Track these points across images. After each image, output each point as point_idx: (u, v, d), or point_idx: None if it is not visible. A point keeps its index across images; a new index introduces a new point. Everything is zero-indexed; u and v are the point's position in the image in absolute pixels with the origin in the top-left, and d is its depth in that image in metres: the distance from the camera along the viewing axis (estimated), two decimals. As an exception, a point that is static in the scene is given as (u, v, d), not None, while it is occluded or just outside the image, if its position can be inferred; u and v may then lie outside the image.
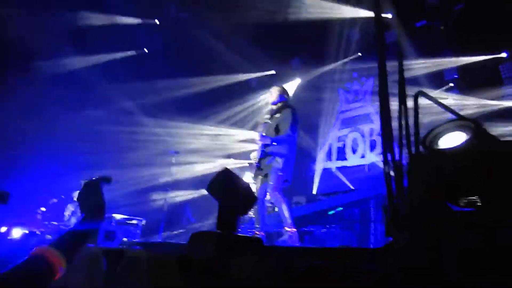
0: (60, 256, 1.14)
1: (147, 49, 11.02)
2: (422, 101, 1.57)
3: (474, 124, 1.28)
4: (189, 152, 11.04)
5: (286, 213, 3.96)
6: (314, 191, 9.91)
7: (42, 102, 9.18)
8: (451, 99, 7.51)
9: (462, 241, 1.25)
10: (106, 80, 10.06)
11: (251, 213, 7.08)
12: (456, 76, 7.97)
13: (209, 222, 9.16)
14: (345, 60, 10.09)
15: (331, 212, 6.92)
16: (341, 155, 10.15)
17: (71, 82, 9.90)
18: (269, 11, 9.15)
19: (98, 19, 9.75)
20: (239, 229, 2.25)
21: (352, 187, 8.99)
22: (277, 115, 4.37)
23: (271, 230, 6.06)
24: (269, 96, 4.60)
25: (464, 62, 7.64)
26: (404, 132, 1.49)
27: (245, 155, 11.18)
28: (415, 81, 7.35)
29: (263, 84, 11.06)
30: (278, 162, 4.13)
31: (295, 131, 4.28)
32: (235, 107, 11.46)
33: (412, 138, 1.51)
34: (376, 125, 9.34)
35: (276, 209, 7.37)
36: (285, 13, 9.35)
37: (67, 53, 9.62)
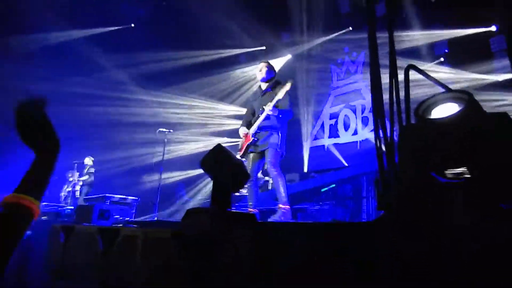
0: (31, 198, 1.12)
1: (133, 24, 10.81)
2: (413, 75, 1.58)
3: (467, 96, 1.30)
4: (182, 130, 11.03)
5: (282, 190, 3.98)
6: (305, 169, 9.98)
7: (23, 79, 9.04)
8: (441, 73, 7.53)
9: (447, 214, 1.27)
10: (93, 54, 9.90)
11: (244, 191, 7.15)
12: (446, 51, 7.96)
13: (202, 200, 9.24)
14: (336, 34, 9.94)
15: (324, 189, 7.00)
16: (334, 132, 10.19)
17: (55, 58, 9.74)
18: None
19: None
20: (233, 206, 2.28)
21: (345, 164, 9.08)
22: (271, 91, 4.34)
23: (265, 207, 6.12)
24: (259, 73, 4.53)
25: (454, 35, 7.62)
26: (395, 106, 1.50)
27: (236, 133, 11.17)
28: (406, 54, 7.32)
29: (253, 59, 10.99)
30: (276, 137, 4.14)
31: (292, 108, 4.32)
32: (225, 81, 11.37)
33: (403, 112, 1.52)
34: (367, 101, 9.35)
35: (270, 187, 7.47)
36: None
37: (50, 28, 9.42)
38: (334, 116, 10.34)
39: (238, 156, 4.41)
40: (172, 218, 7.64)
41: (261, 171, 4.26)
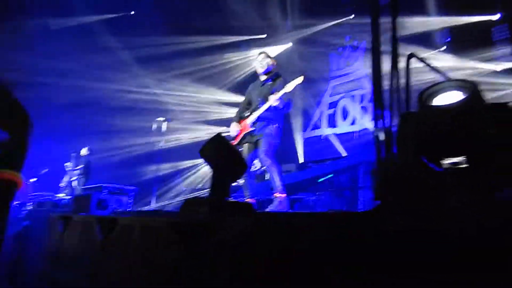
0: (11, 171, 1.17)
1: (134, 11, 10.71)
2: (414, 63, 1.57)
3: (472, 86, 1.29)
4: (180, 118, 10.99)
5: (277, 179, 3.98)
6: (301, 160, 9.98)
7: (24, 67, 8.97)
8: (443, 62, 7.49)
9: (445, 202, 1.28)
10: (92, 42, 9.83)
11: (241, 181, 7.14)
12: (449, 39, 7.91)
13: (201, 190, 9.24)
14: (338, 21, 9.81)
15: (320, 180, 7.01)
16: (332, 122, 10.18)
17: (55, 45, 9.66)
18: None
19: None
20: (231, 196, 2.28)
21: (344, 153, 9.08)
22: (270, 83, 4.34)
23: (261, 197, 6.14)
24: (259, 65, 4.49)
25: (457, 23, 7.56)
26: (395, 94, 1.50)
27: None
28: (407, 41, 7.28)
29: (254, 47, 10.91)
30: (271, 128, 4.15)
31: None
32: (224, 68, 11.28)
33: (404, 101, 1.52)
34: (367, 90, 9.32)
35: (267, 177, 7.48)
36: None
37: (49, 12, 9.34)
38: (332, 105, 10.30)
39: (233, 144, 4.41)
40: (170, 208, 7.66)
41: (257, 161, 4.27)
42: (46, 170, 9.65)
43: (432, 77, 1.81)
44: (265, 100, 4.22)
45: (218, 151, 2.17)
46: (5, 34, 8.95)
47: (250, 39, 11.00)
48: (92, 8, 9.94)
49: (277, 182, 3.97)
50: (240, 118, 4.49)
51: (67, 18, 9.89)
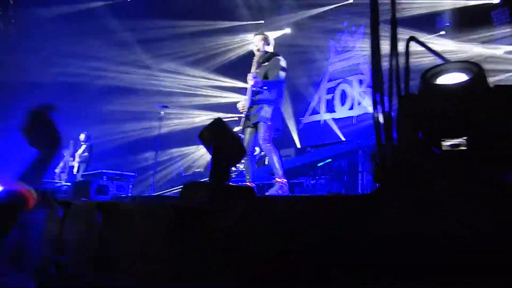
0: (28, 188, 1.23)
1: None
2: (414, 47, 1.56)
3: (477, 68, 1.29)
4: (179, 102, 10.97)
5: (277, 164, 3.95)
6: (298, 145, 10.00)
7: (19, 54, 8.93)
8: (443, 46, 7.45)
9: (444, 184, 1.28)
10: (88, 28, 9.75)
11: (241, 166, 7.18)
12: (448, 24, 7.84)
13: (200, 174, 9.27)
14: (337, 5, 9.68)
15: (320, 164, 7.04)
16: (330, 107, 10.17)
17: (51, 33, 9.58)
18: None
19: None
20: (230, 181, 2.29)
21: (343, 138, 9.10)
22: (266, 64, 4.27)
23: (262, 182, 6.16)
24: (256, 48, 4.42)
25: (457, 5, 7.49)
26: (394, 78, 1.49)
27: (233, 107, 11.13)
28: (406, 25, 7.23)
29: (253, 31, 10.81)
30: (267, 111, 4.05)
31: (284, 81, 4.21)
32: (223, 53, 11.20)
33: (403, 85, 1.51)
34: (365, 76, 9.28)
35: (267, 162, 7.50)
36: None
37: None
38: (331, 91, 10.28)
39: (236, 130, 4.38)
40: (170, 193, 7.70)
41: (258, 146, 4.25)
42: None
43: (432, 60, 1.80)
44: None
45: (217, 136, 2.17)
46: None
47: (248, 24, 10.89)
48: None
49: (277, 166, 3.95)
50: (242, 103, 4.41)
51: (60, 5, 9.80)
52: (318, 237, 1.51)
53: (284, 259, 1.60)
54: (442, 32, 7.82)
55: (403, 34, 1.53)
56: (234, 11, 10.38)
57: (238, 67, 11.00)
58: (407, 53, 1.52)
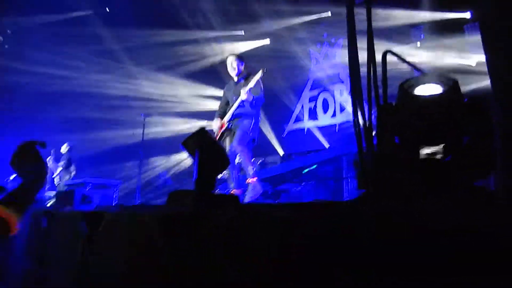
0: (13, 212, 1.22)
1: (108, 8, 10.54)
2: (390, 58, 1.64)
3: (452, 82, 1.37)
4: (161, 113, 10.95)
5: (247, 165, 4.26)
6: (281, 152, 10.10)
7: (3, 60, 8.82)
8: (418, 57, 7.66)
9: (423, 191, 1.34)
10: (71, 36, 9.71)
11: (225, 173, 7.18)
12: (422, 36, 8.07)
13: (186, 184, 9.26)
14: (315, 17, 9.93)
15: (305, 171, 7.12)
16: (313, 115, 10.30)
17: (33, 41, 9.51)
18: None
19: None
20: (217, 189, 2.32)
21: (326, 145, 9.23)
22: (244, 82, 4.58)
23: (245, 188, 6.22)
24: (231, 68, 4.72)
25: (429, 19, 7.73)
26: (372, 87, 1.56)
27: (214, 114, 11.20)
28: (383, 36, 7.43)
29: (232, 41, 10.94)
30: (249, 122, 4.38)
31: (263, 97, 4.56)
32: (202, 62, 11.25)
33: (381, 95, 1.58)
34: (346, 85, 9.46)
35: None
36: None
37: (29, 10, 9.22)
38: (313, 99, 10.43)
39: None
40: (156, 202, 7.65)
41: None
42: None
43: (408, 69, 1.89)
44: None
45: (202, 145, 2.20)
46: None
47: (229, 35, 11.01)
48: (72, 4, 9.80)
49: (248, 168, 4.25)
50: (219, 116, 4.71)
51: (40, 14, 9.74)
52: (305, 245, 1.54)
53: (271, 267, 1.63)
54: (418, 44, 8.05)
55: (381, 45, 1.60)
56: (213, 22, 10.47)
57: (216, 74, 11.12)
58: (384, 65, 1.59)
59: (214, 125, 4.67)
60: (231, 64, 4.71)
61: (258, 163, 7.89)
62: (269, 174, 6.80)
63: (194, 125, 11.29)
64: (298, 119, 10.69)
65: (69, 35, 9.64)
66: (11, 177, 9.04)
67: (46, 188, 8.83)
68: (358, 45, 1.63)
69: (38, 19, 9.70)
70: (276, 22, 10.41)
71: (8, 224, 1.19)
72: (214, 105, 11.22)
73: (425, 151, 1.39)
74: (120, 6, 10.31)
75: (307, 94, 10.62)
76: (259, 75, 4.46)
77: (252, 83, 4.42)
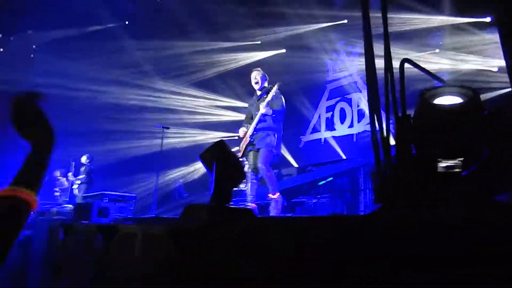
0: (28, 190, 1.12)
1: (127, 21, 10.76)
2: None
3: (472, 93, 1.32)
4: (180, 125, 11.04)
5: (272, 182, 4.35)
6: (295, 165, 10.02)
7: (19, 72, 9.06)
8: (437, 64, 7.55)
9: (443, 205, 1.29)
10: (86, 50, 9.93)
11: (242, 186, 7.19)
12: (440, 43, 7.96)
13: (202, 196, 9.27)
14: (331, 24, 9.87)
15: (321, 183, 7.04)
16: (330, 125, 10.22)
17: (49, 54, 9.75)
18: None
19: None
20: (232, 202, 2.30)
21: (344, 157, 9.12)
22: (265, 96, 4.65)
23: (264, 201, 6.20)
24: (253, 81, 4.85)
25: (449, 22, 7.63)
26: (390, 98, 1.51)
27: (231, 125, 11.28)
28: (401, 43, 7.36)
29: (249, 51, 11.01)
30: (272, 139, 4.46)
31: (284, 110, 4.67)
32: (221, 74, 11.32)
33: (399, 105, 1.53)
34: (363, 93, 9.37)
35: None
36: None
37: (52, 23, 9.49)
38: (330, 109, 10.36)
39: (238, 155, 4.66)
40: (171, 215, 7.66)
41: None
42: (46, 178, 9.67)
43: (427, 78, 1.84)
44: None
45: (219, 157, 2.19)
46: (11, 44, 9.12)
47: (245, 45, 11.09)
48: (92, 18, 10.05)
49: (270, 185, 4.36)
50: (245, 125, 4.85)
51: (66, 29, 10.02)
52: (318, 259, 1.50)
53: (285, 280, 1.59)
54: (437, 50, 7.93)
55: (398, 54, 1.56)
56: (228, 32, 10.56)
57: (232, 85, 11.18)
58: (401, 74, 1.55)
59: (241, 132, 4.77)
60: (255, 78, 4.83)
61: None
62: (284, 186, 6.73)
63: (210, 136, 11.39)
64: (315, 129, 10.62)
65: (89, 49, 9.88)
66: None
67: (63, 200, 8.99)
68: (375, 52, 1.60)
69: (59, 33, 9.98)
70: (292, 31, 10.44)
71: (30, 203, 1.13)
72: (231, 116, 11.33)
73: (444, 164, 1.34)
74: (140, 18, 10.54)
75: (324, 104, 10.57)
76: (275, 88, 4.56)
77: (269, 97, 4.51)
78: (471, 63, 7.23)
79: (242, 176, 2.32)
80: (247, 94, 11.77)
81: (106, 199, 5.12)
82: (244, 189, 7.28)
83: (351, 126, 9.63)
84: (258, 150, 4.51)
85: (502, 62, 6.80)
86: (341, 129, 9.86)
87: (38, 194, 1.19)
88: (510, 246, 1.00)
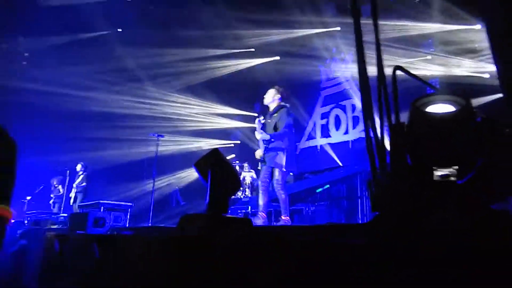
0: (0, 205, 1.13)
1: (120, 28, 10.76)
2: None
3: (465, 101, 1.33)
4: (174, 133, 11.02)
5: (284, 205, 4.51)
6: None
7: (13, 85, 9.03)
8: (428, 71, 7.62)
9: (439, 213, 1.30)
10: (80, 60, 9.92)
11: (239, 194, 7.19)
12: (432, 50, 8.04)
13: (198, 204, 9.24)
14: (324, 30, 9.94)
15: (318, 190, 7.05)
16: (325, 132, 10.24)
17: (41, 61, 9.74)
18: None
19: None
20: (229, 210, 2.30)
21: (340, 164, 9.12)
22: (275, 115, 4.80)
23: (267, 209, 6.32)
24: (267, 98, 4.96)
25: (438, 30, 7.71)
26: (384, 106, 1.52)
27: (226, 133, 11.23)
28: (393, 49, 7.43)
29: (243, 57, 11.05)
30: (281, 158, 4.57)
31: (292, 128, 4.76)
32: (214, 80, 11.35)
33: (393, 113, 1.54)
34: (357, 100, 9.41)
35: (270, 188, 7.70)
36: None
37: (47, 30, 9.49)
38: (325, 116, 10.39)
39: (230, 157, 4.71)
40: (168, 223, 7.62)
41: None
42: (42, 187, 9.63)
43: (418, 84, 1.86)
44: (271, 131, 4.73)
45: (214, 166, 2.18)
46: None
47: (239, 52, 11.14)
48: (84, 25, 10.05)
49: (285, 207, 4.52)
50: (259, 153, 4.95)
51: (60, 36, 10.01)
52: (314, 269, 1.51)
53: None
54: (429, 57, 8.00)
55: (391, 56, 1.58)
56: (223, 40, 10.60)
57: (226, 93, 11.19)
58: (394, 82, 1.56)
59: (257, 154, 4.88)
60: (271, 94, 4.92)
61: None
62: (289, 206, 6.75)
63: (208, 143, 11.39)
64: (311, 136, 10.63)
65: (82, 56, 9.88)
66: (28, 198, 9.15)
67: (61, 209, 8.92)
68: (368, 59, 1.61)
69: (52, 40, 9.96)
70: (285, 38, 10.49)
71: (4, 216, 1.13)
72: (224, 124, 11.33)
73: (439, 172, 1.35)
74: (133, 27, 10.53)
75: (319, 110, 10.60)
76: (280, 111, 4.74)
77: (272, 122, 4.72)
78: (463, 68, 7.30)
79: (237, 184, 2.31)
80: (240, 101, 11.85)
81: (102, 208, 5.10)
82: (241, 197, 7.28)
83: (346, 132, 9.65)
84: (271, 168, 4.67)
85: (493, 67, 6.87)
86: (337, 136, 9.88)
87: (11, 205, 1.20)
88: (506, 254, 1.01)
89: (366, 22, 1.68)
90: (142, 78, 10.97)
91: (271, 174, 4.67)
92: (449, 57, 7.46)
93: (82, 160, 9.49)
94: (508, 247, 1.03)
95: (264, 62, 11.25)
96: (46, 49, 9.95)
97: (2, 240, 1.14)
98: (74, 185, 9.16)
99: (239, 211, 6.71)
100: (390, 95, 1.66)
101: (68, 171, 9.33)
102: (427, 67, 7.75)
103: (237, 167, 8.65)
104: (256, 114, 12.14)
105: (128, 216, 5.54)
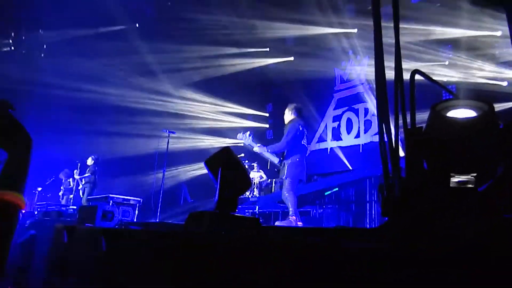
0: (13, 192, 1.15)
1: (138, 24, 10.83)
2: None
3: (487, 107, 1.28)
4: (186, 130, 11.05)
5: (290, 206, 4.64)
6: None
7: (28, 73, 9.15)
8: (447, 77, 7.51)
9: (452, 221, 1.26)
10: (97, 53, 9.99)
11: (247, 194, 7.18)
12: (450, 55, 7.92)
13: (207, 202, 9.25)
14: (340, 31, 9.83)
15: (327, 193, 7.00)
16: (336, 135, 10.17)
17: (59, 53, 9.84)
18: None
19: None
20: (237, 209, 2.28)
21: (350, 167, 9.05)
22: (284, 127, 5.07)
23: (268, 209, 6.26)
24: (285, 119, 5.19)
25: (458, 35, 7.60)
26: (400, 110, 1.49)
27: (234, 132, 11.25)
28: (411, 54, 7.36)
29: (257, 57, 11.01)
30: (289, 169, 4.75)
31: (297, 139, 4.92)
32: (228, 80, 11.34)
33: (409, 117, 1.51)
34: (370, 104, 9.32)
35: (273, 190, 7.66)
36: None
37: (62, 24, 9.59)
38: (337, 118, 10.32)
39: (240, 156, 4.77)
40: (176, 220, 7.64)
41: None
42: (52, 179, 9.74)
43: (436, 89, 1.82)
44: None
45: (225, 165, 2.17)
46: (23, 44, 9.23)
47: (253, 51, 11.13)
48: (103, 19, 10.13)
49: (290, 208, 4.63)
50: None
51: (71, 28, 10.11)
52: (320, 271, 1.48)
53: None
54: (446, 62, 7.89)
55: (406, 63, 1.54)
56: (239, 39, 10.59)
57: (240, 91, 11.17)
58: (412, 86, 1.53)
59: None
60: (287, 115, 5.13)
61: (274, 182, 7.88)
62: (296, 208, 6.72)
63: (218, 141, 11.40)
64: (322, 139, 10.57)
65: (99, 49, 9.97)
66: (39, 189, 9.26)
67: (71, 201, 9.01)
68: (385, 63, 1.57)
69: (69, 33, 10.08)
70: (301, 38, 10.43)
71: (17, 204, 1.14)
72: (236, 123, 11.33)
73: (456, 179, 1.31)
74: (152, 23, 10.59)
75: (331, 113, 10.53)
76: (288, 126, 4.92)
77: (285, 131, 4.89)
78: (481, 75, 7.19)
79: (247, 183, 2.29)
80: (253, 101, 11.85)
81: (110, 202, 5.12)
82: (248, 197, 7.27)
83: (357, 136, 9.57)
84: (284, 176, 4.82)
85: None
86: (348, 139, 9.81)
87: (24, 194, 1.22)
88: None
89: (385, 25, 1.65)
90: (158, 73, 11.02)
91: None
92: (468, 63, 7.34)
93: (96, 152, 9.57)
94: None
95: (277, 62, 11.21)
96: (64, 42, 10.07)
97: (15, 227, 1.15)
98: (78, 177, 9.23)
99: (246, 210, 6.70)
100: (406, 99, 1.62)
101: (79, 164, 9.42)
102: (444, 72, 7.64)
103: (246, 167, 8.65)
104: (267, 114, 12.14)
105: (137, 212, 5.57)
